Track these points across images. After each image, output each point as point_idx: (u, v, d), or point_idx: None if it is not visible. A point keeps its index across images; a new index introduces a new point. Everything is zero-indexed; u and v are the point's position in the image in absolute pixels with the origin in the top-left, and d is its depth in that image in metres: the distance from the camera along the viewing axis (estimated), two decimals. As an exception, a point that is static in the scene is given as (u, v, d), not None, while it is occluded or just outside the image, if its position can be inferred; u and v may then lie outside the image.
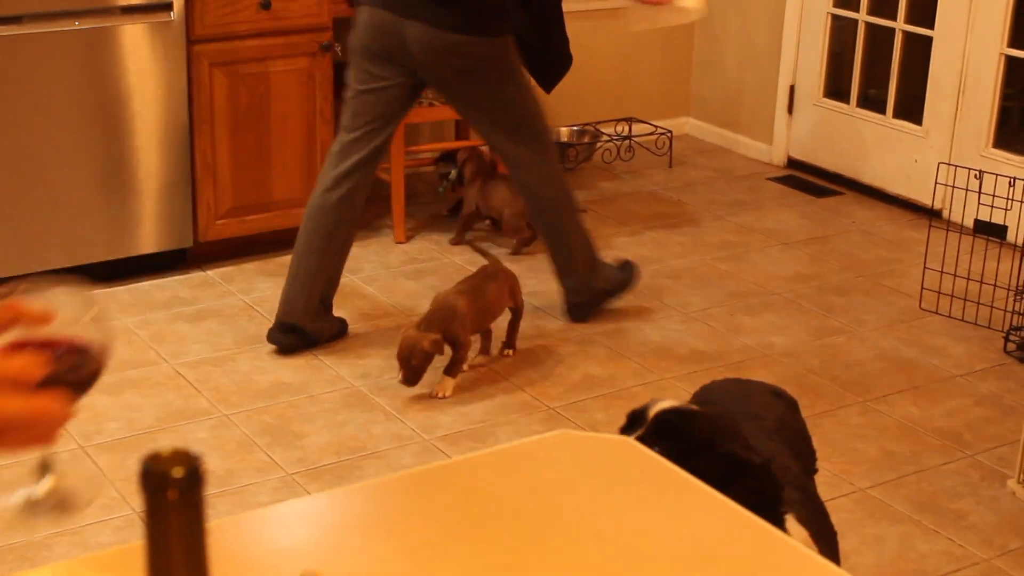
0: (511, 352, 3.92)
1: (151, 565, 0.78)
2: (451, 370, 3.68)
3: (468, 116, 4.09)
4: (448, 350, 3.63)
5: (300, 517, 1.47)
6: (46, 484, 1.11)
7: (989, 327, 4.19)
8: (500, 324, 3.92)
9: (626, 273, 4.22)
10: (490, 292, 3.77)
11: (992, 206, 4.39)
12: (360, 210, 3.95)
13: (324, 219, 3.86)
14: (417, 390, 3.65)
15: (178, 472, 0.76)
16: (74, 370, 1.03)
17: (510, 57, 3.88)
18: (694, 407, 2.12)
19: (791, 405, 2.55)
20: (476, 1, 3.73)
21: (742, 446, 2.00)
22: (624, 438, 1.60)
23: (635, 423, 1.92)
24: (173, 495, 0.76)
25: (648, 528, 1.38)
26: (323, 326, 3.94)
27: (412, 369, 3.57)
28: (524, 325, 4.08)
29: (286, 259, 4.51)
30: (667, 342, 4.05)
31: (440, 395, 3.65)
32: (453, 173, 4.84)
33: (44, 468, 1.11)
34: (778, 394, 2.56)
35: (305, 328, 3.88)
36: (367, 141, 3.84)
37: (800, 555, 1.36)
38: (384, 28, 3.76)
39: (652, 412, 1.99)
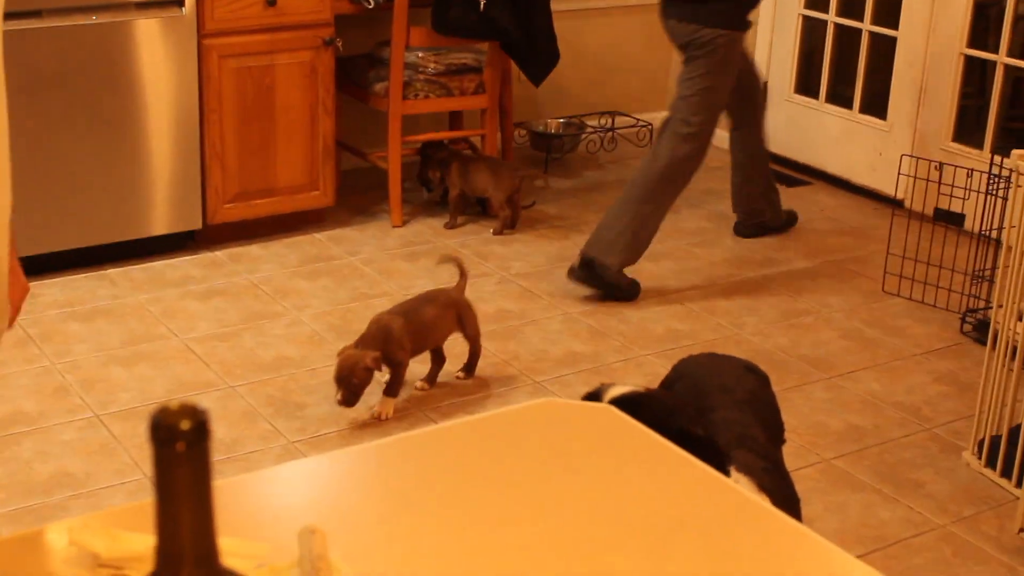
0: (462, 375, 3.61)
1: (160, 514, 0.78)
2: (391, 390, 3.40)
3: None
4: (387, 369, 3.39)
5: (301, 478, 1.47)
6: None
7: (947, 309, 4.20)
8: (460, 351, 3.90)
9: (630, 288, 4.20)
10: (427, 314, 3.46)
11: (951, 196, 4.40)
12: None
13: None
14: (354, 412, 3.39)
15: (186, 425, 0.75)
16: None
17: (727, 51, 4.16)
18: (641, 390, 2.13)
19: (762, 380, 2.55)
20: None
21: (688, 421, 2.01)
22: (605, 406, 1.59)
23: None
24: (181, 447, 0.75)
25: (628, 490, 1.38)
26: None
27: (351, 388, 3.27)
28: (512, 304, 4.07)
29: (290, 240, 4.53)
30: (646, 321, 4.05)
31: (383, 416, 3.37)
32: (436, 176, 4.78)
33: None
34: (751, 369, 2.55)
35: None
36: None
37: (772, 516, 1.36)
38: (665, 28, 4.25)
39: (606, 399, 2.00)
